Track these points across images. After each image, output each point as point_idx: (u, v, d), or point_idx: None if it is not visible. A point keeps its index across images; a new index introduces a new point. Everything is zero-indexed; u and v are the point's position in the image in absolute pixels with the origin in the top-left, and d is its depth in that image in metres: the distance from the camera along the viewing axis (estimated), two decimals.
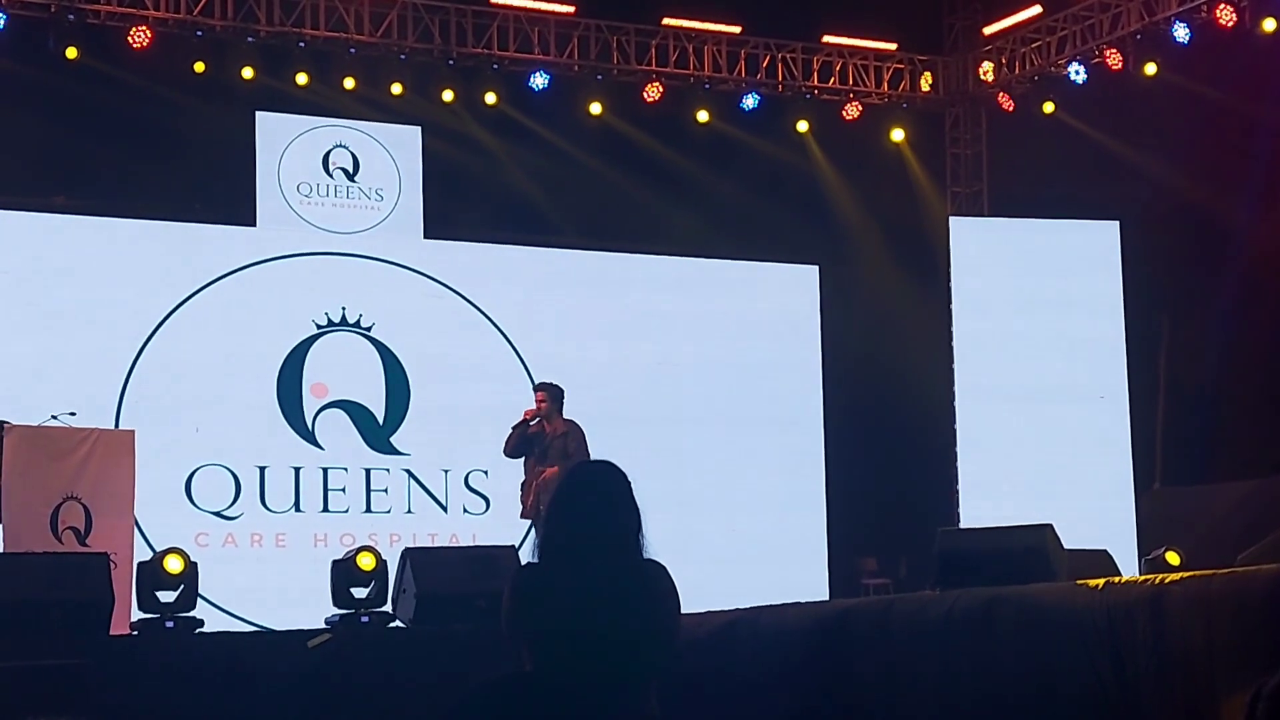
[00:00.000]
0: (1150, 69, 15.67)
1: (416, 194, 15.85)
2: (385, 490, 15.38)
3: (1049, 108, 16.82)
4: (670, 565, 4.55)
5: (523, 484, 12.55)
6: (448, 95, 16.01)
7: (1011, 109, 17.36)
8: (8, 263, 14.41)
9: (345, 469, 15.27)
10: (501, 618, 4.43)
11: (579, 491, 4.49)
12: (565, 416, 12.67)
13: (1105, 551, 10.18)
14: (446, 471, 15.61)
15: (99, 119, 14.78)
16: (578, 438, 12.53)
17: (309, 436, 15.19)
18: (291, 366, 15.20)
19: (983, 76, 17.67)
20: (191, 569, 9.81)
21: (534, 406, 12.63)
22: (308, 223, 15.47)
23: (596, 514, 4.43)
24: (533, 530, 12.33)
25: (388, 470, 15.42)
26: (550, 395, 12.62)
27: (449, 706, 4.32)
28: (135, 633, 9.61)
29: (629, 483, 4.51)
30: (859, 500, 16.76)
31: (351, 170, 15.73)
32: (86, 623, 8.71)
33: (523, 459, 12.60)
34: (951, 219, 16.94)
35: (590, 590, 4.31)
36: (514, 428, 12.57)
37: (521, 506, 12.58)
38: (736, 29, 17.09)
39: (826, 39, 17.48)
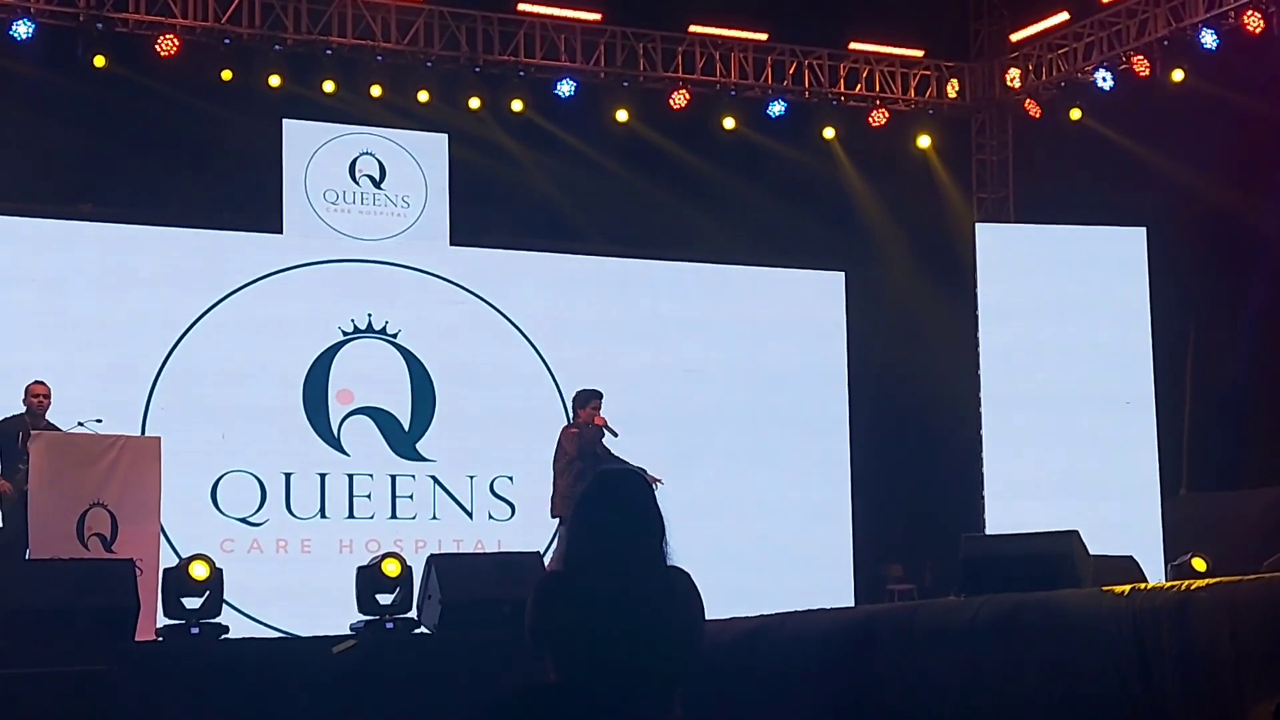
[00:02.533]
0: (1177, 75, 15.63)
1: (443, 201, 15.87)
2: (411, 496, 15.40)
3: (1076, 114, 16.78)
4: (696, 571, 4.55)
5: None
6: (474, 102, 16.04)
7: (1038, 115, 17.33)
8: (35, 270, 14.47)
9: (371, 475, 15.29)
10: (525, 625, 4.43)
11: (601, 500, 4.49)
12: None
13: (1131, 558, 10.16)
14: (472, 477, 15.63)
15: (126, 127, 14.85)
16: (604, 437, 12.47)
17: (335, 443, 15.22)
18: (317, 373, 15.23)
19: (1009, 83, 17.64)
20: (217, 575, 9.84)
21: (599, 416, 12.32)
22: (334, 230, 15.50)
23: (619, 522, 4.42)
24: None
25: (413, 476, 15.45)
26: (601, 400, 12.46)
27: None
28: (161, 639, 9.64)
29: (651, 490, 4.50)
30: (884, 506, 16.75)
31: (378, 177, 15.76)
32: (112, 629, 8.74)
33: (570, 463, 12.31)
34: (978, 225, 16.89)
35: (613, 598, 4.31)
36: (577, 430, 12.29)
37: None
38: (763, 36, 17.09)
39: (853, 46, 17.47)
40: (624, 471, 4.58)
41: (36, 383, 11.52)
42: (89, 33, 14.65)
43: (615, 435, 12.29)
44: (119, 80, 14.77)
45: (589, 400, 12.45)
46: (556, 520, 12.46)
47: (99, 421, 11.46)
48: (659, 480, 11.94)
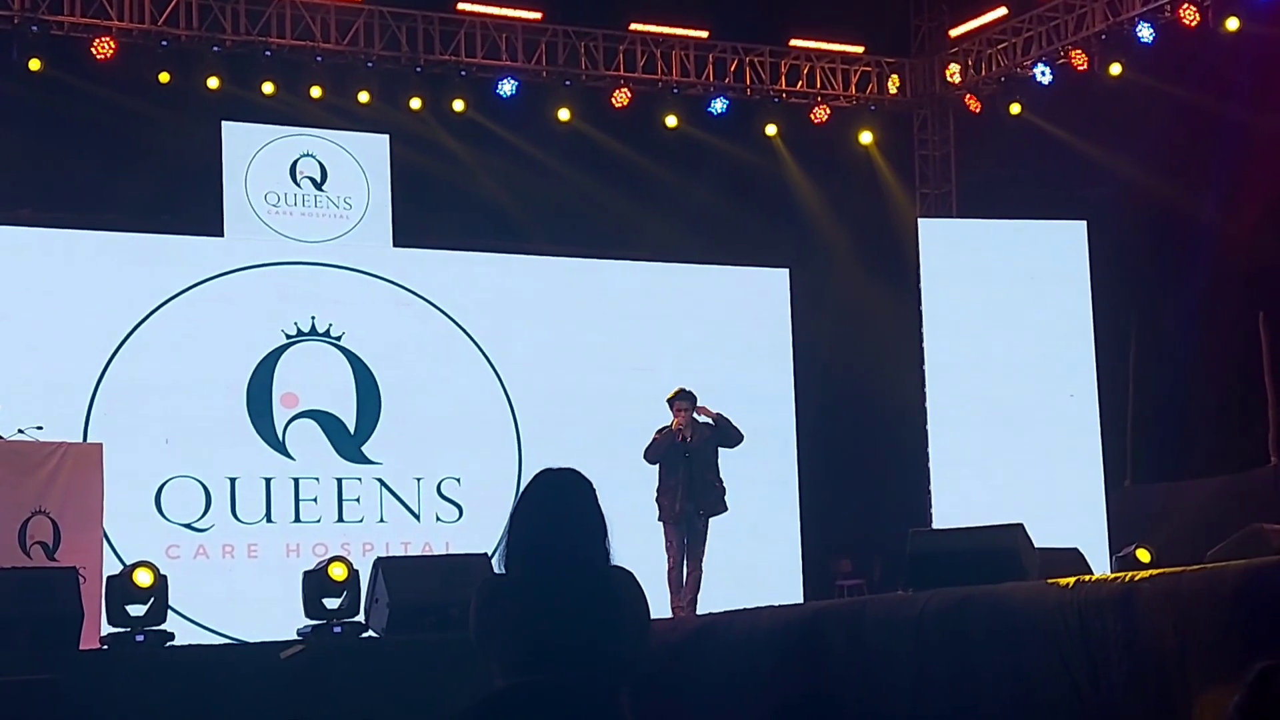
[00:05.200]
0: (1115, 69, 15.75)
1: (385, 202, 15.81)
2: (357, 499, 15.33)
3: (1016, 109, 16.89)
4: (646, 571, 4.54)
5: (666, 486, 12.10)
6: (415, 103, 15.99)
7: (978, 110, 17.42)
8: None
9: (317, 479, 15.22)
10: (469, 629, 4.41)
11: (541, 500, 4.46)
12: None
13: (1076, 550, 10.21)
14: (419, 480, 15.57)
15: (64, 131, 14.71)
16: (705, 433, 12.32)
17: (280, 447, 15.13)
18: (261, 377, 15.14)
19: (949, 78, 17.72)
20: (162, 582, 9.78)
21: (678, 417, 12.22)
22: (276, 232, 15.41)
23: (560, 522, 4.40)
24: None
25: (359, 479, 15.38)
26: (691, 403, 12.30)
27: None
28: (105, 647, 9.57)
29: (593, 489, 4.47)
30: (832, 502, 16.77)
31: (319, 179, 15.68)
32: (56, 638, 8.67)
33: (658, 465, 12.22)
34: (920, 220, 16.97)
35: (555, 599, 4.29)
36: (660, 433, 12.24)
37: (660, 509, 12.14)
38: (704, 33, 17.10)
39: (794, 42, 17.50)
40: (564, 471, 4.55)
41: None
42: (24, 35, 14.50)
43: (711, 423, 12.20)
44: (56, 83, 14.64)
45: (673, 402, 12.35)
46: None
47: (40, 429, 11.35)
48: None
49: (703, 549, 12.19)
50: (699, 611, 11.42)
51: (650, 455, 12.29)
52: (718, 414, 12.46)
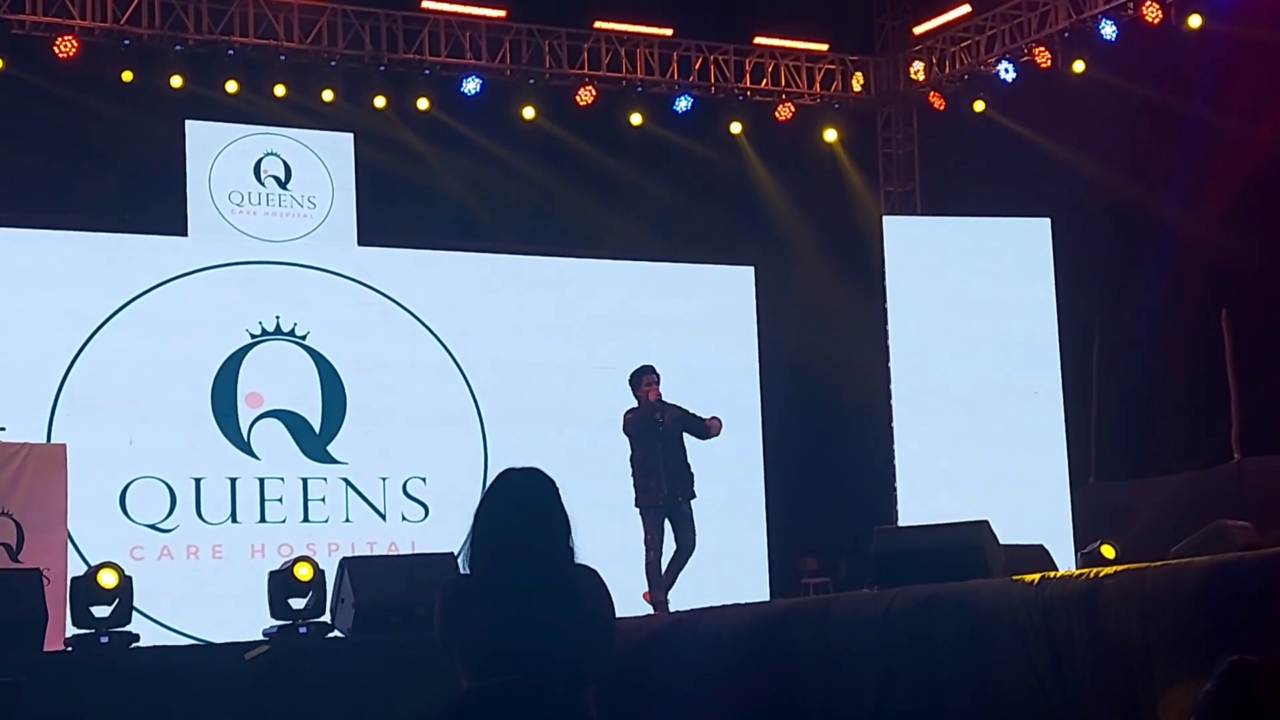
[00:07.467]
0: (1078, 66, 15.81)
1: (349, 201, 15.77)
2: (323, 499, 15.29)
3: (979, 106, 16.93)
4: (610, 569, 4.53)
5: (647, 468, 11.78)
6: (379, 101, 15.94)
7: (942, 108, 17.46)
8: None
9: (282, 479, 15.17)
10: (434, 630, 4.41)
11: (505, 500, 4.46)
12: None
13: (1041, 546, 10.25)
14: (384, 479, 15.54)
15: (26, 130, 14.60)
16: (678, 414, 12.06)
17: (245, 447, 15.08)
18: (226, 377, 15.08)
19: (913, 76, 17.75)
20: (126, 583, 9.75)
21: (653, 390, 11.92)
22: (240, 232, 15.36)
23: (524, 522, 4.40)
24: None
25: (325, 479, 15.34)
26: (658, 378, 11.99)
27: None
28: (70, 649, 9.54)
29: (556, 489, 4.48)
30: (798, 500, 16.79)
31: (283, 178, 15.63)
32: (20, 640, 8.64)
33: (632, 453, 11.95)
34: (885, 218, 17.01)
35: (519, 599, 4.29)
36: (633, 412, 11.93)
37: (641, 494, 11.83)
38: (668, 31, 17.09)
39: (758, 40, 17.51)
40: (527, 470, 4.55)
41: None
42: None
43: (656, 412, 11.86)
44: (17, 83, 14.54)
45: (640, 378, 12.04)
46: None
47: (2, 430, 11.32)
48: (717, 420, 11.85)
49: (693, 532, 11.87)
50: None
51: (629, 428, 11.93)
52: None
